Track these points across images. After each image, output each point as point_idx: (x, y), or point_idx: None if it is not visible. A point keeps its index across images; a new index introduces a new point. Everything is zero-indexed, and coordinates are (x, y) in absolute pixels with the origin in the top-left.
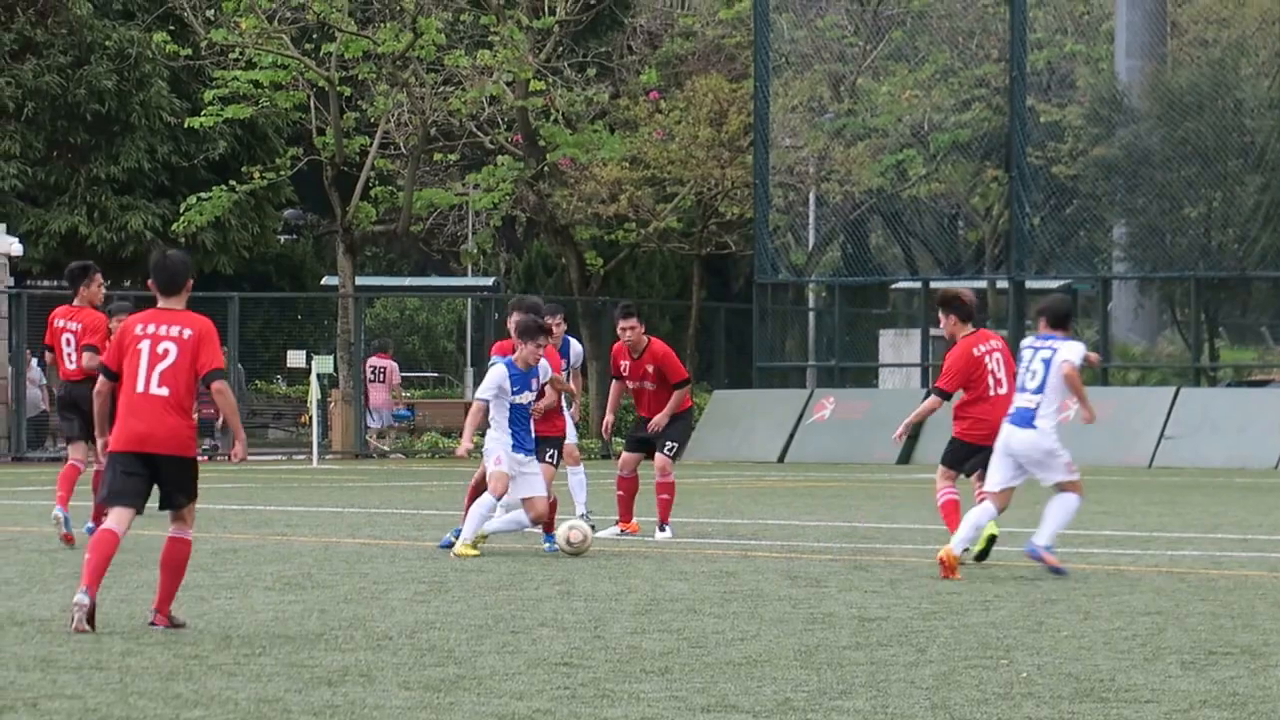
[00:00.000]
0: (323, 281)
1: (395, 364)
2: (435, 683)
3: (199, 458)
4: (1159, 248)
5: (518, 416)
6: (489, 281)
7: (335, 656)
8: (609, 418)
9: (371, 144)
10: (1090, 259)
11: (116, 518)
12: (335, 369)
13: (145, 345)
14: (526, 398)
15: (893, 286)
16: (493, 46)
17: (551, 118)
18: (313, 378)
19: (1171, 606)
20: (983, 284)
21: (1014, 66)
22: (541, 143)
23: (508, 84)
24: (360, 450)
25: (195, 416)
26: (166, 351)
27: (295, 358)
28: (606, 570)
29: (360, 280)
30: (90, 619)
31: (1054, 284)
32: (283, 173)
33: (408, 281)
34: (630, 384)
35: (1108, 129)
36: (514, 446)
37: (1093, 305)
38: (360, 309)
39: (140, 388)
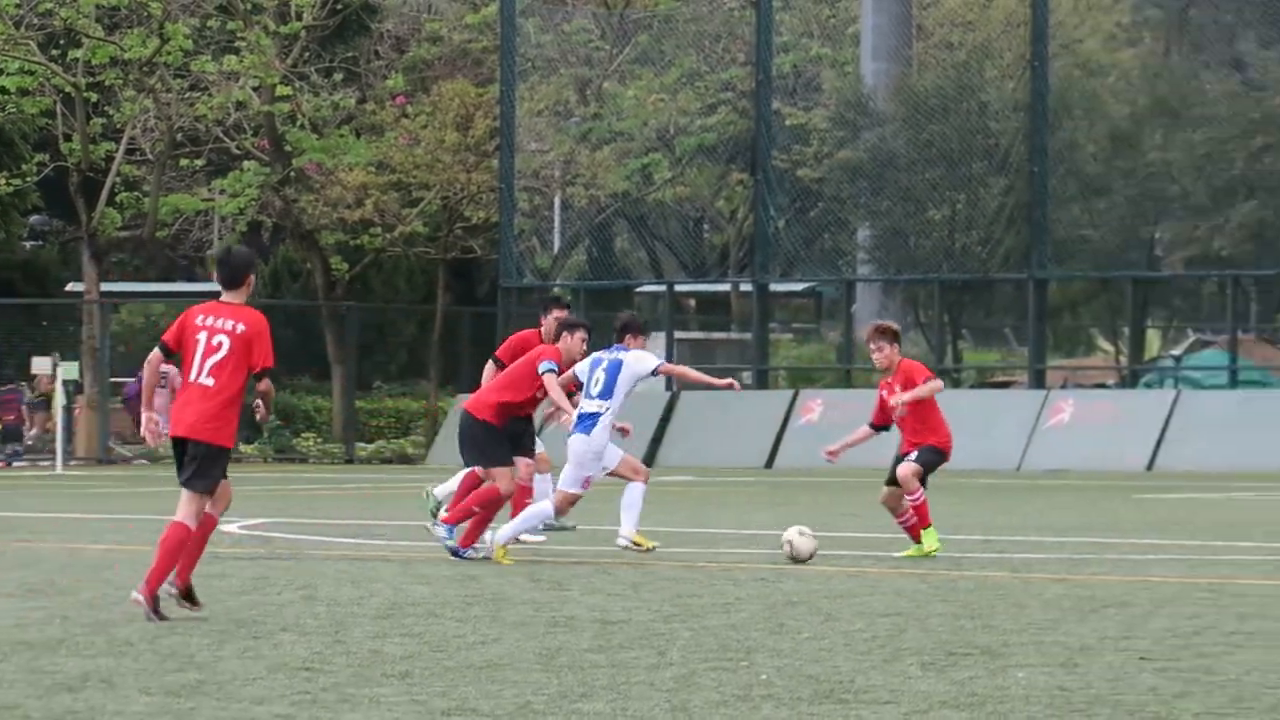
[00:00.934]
0: (68, 288)
1: None
2: (176, 688)
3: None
4: (903, 250)
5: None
6: None
7: (76, 662)
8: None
9: (118, 150)
10: (835, 261)
11: (182, 506)
12: (80, 375)
13: (202, 337)
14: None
15: (637, 290)
16: (239, 52)
17: (298, 123)
18: (58, 384)
19: (912, 608)
20: (726, 287)
21: (760, 70)
22: (288, 148)
23: (254, 89)
24: (103, 456)
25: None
26: (220, 345)
27: (40, 364)
28: (349, 574)
29: (105, 286)
30: (156, 611)
31: (798, 286)
32: (29, 179)
33: (153, 287)
34: None
35: (853, 132)
36: None
37: (836, 308)
38: (106, 315)
39: (193, 377)
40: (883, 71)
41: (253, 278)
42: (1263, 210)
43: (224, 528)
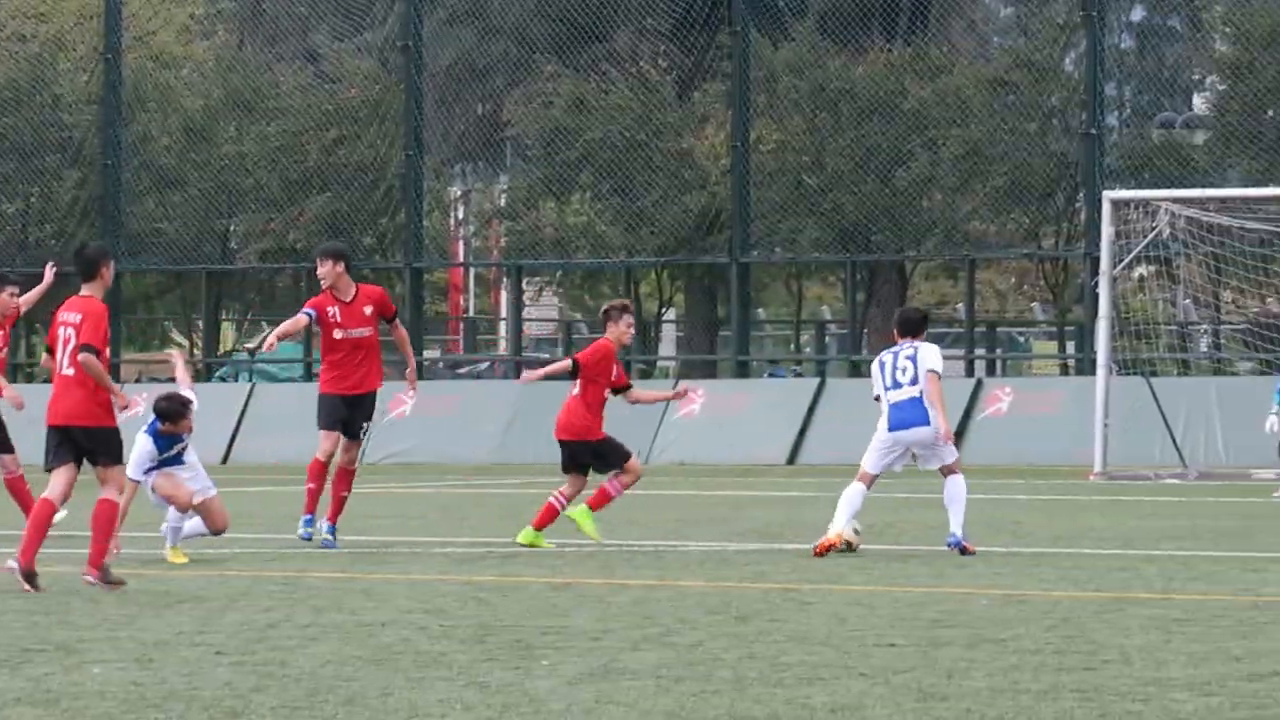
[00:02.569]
0: None
1: None
2: None
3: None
4: None
5: None
6: None
7: None
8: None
9: None
10: None
11: (52, 483)
12: None
13: (61, 332)
14: None
15: None
16: None
17: None
18: None
19: None
20: None
21: None
22: None
23: None
24: None
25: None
26: (70, 338)
27: None
28: None
29: None
30: (30, 581)
31: None
32: None
33: None
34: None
35: None
36: None
37: None
38: None
39: (61, 369)
40: None
41: (108, 271)
42: (337, 202)
43: None
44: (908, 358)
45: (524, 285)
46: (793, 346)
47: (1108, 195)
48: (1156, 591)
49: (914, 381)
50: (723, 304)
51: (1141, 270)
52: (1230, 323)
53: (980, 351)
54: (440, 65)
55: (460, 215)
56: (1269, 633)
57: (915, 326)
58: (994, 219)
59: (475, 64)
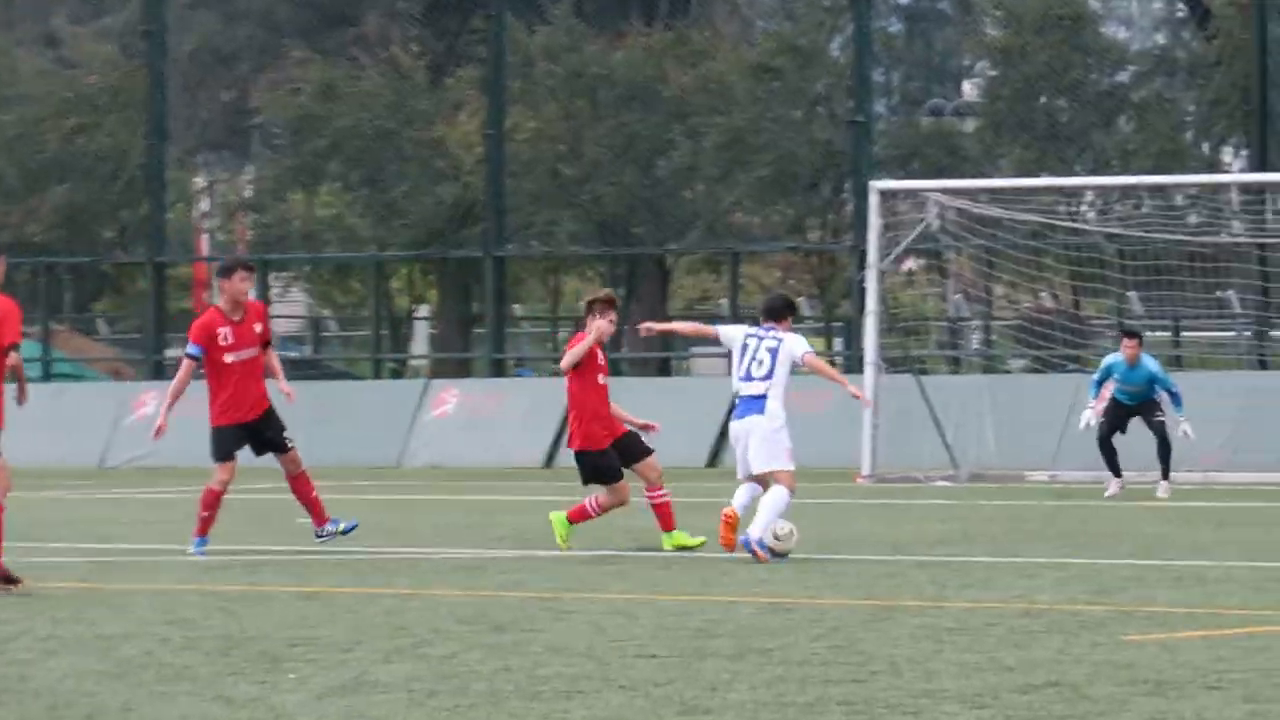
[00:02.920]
0: None
1: None
2: None
3: None
4: None
5: None
6: None
7: None
8: None
9: None
10: None
11: None
12: None
13: None
14: None
15: None
16: None
17: None
18: None
19: None
20: None
21: None
22: None
23: None
24: None
25: None
26: None
27: None
28: None
29: None
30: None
31: None
32: None
33: None
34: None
35: None
36: None
37: None
38: None
39: None
40: None
41: (1, 267)
42: (76, 194)
43: None
44: (769, 350)
45: (271, 280)
46: (550, 344)
47: (875, 185)
48: (927, 599)
49: (767, 377)
50: (477, 300)
51: (911, 264)
52: (1002, 318)
53: None
54: (184, 50)
55: (205, 207)
56: (1042, 642)
57: (778, 312)
58: (758, 210)
59: (220, 49)
